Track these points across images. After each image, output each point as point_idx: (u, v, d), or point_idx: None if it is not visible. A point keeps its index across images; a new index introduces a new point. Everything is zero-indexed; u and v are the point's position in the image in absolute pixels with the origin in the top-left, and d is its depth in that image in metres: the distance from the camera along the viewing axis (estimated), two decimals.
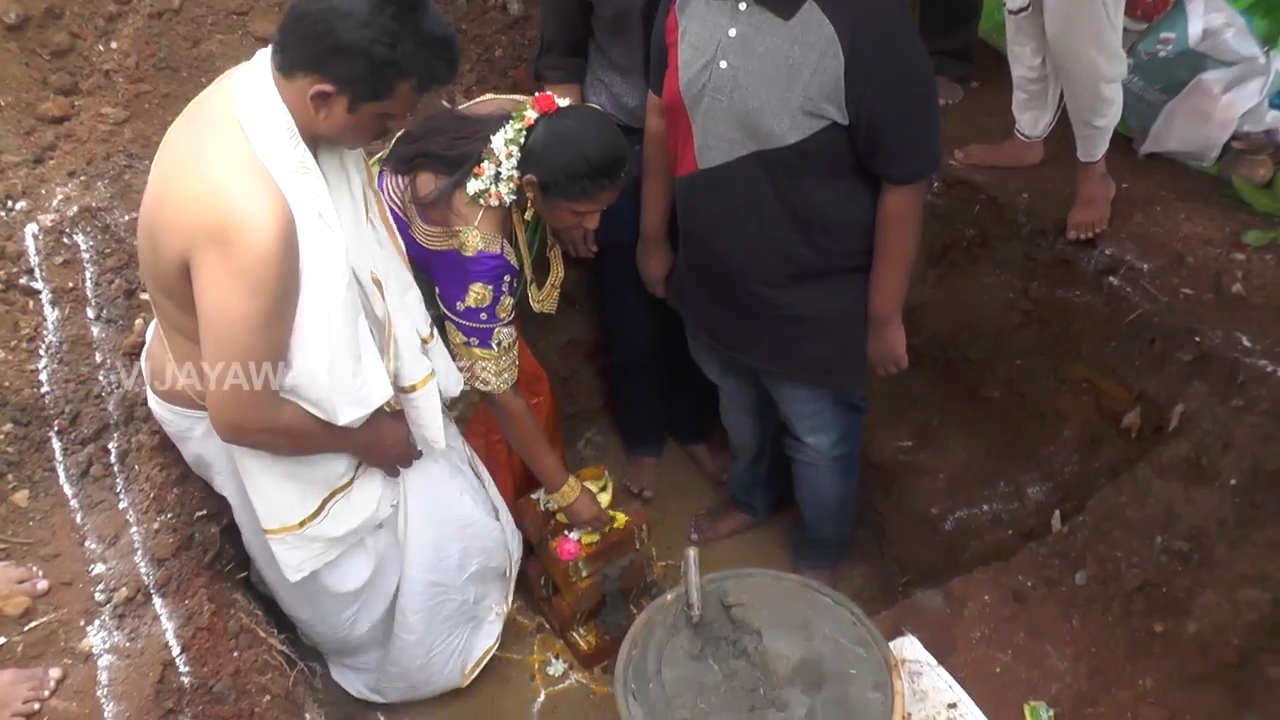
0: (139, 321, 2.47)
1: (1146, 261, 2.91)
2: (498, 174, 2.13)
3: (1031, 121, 3.19)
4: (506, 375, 2.35)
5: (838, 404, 2.71)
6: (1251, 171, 3.11)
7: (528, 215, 2.25)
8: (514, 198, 2.17)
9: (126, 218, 2.62)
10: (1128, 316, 2.85)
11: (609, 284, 3.05)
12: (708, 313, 2.58)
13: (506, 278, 2.23)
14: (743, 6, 2.08)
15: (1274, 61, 3.23)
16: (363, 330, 1.95)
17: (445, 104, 2.82)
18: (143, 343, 2.44)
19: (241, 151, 1.68)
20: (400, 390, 2.16)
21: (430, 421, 2.22)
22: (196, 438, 2.11)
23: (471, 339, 2.25)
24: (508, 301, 2.26)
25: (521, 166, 2.12)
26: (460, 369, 2.34)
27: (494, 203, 2.16)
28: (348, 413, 1.94)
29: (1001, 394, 3.15)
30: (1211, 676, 2.20)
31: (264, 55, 1.75)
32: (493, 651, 2.89)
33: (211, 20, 3.13)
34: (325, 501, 2.13)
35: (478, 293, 2.20)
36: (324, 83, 1.67)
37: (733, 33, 2.09)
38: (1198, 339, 2.69)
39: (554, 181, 2.12)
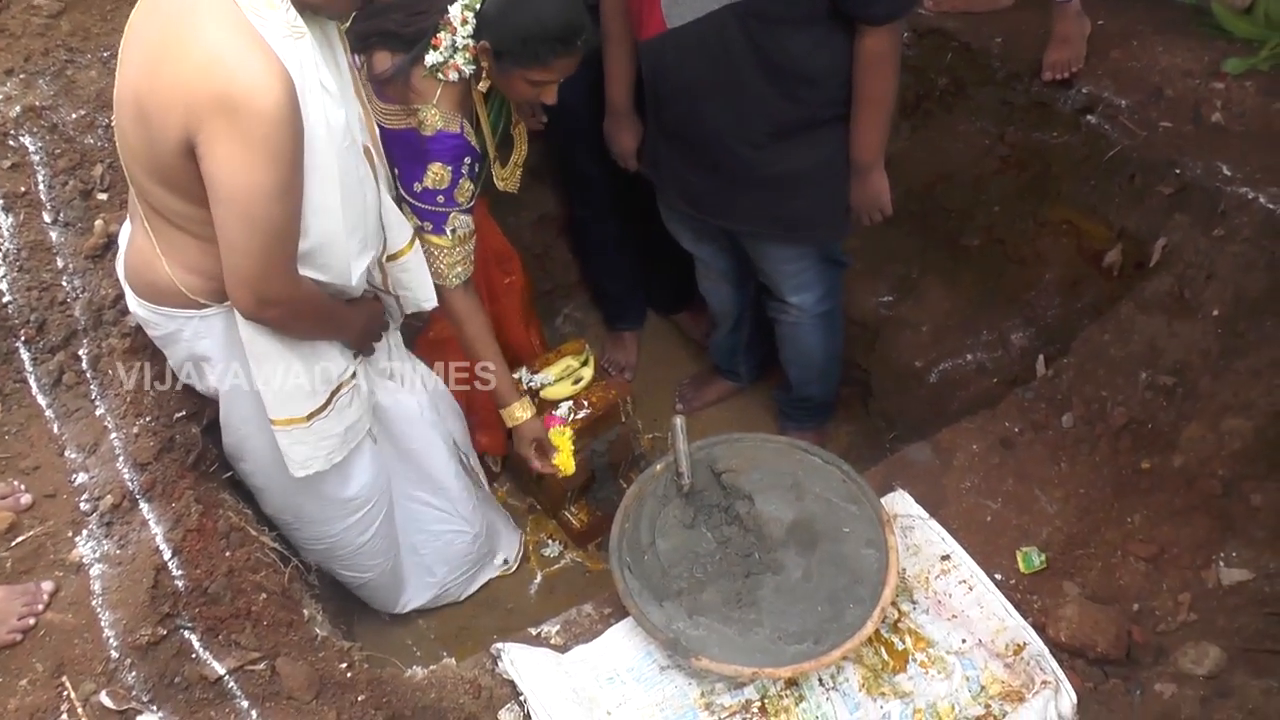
0: (99, 223, 2.39)
1: (1124, 97, 2.84)
2: (454, 44, 2.04)
3: None
4: (460, 269, 2.27)
5: (820, 260, 2.68)
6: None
7: (482, 87, 2.16)
8: (472, 68, 2.08)
9: (74, 115, 2.51)
10: (1107, 154, 2.81)
11: (561, 145, 2.99)
12: (684, 179, 2.52)
13: (467, 159, 2.15)
14: None
15: None
16: (368, 187, 1.94)
17: None
18: (105, 244, 2.37)
19: (233, 18, 1.60)
20: (390, 259, 2.14)
21: (421, 282, 2.21)
22: (185, 339, 2.05)
23: (426, 223, 2.18)
24: (466, 185, 2.18)
25: (476, 34, 2.02)
26: None
27: (452, 75, 2.07)
28: (358, 269, 1.95)
29: (981, 242, 3.12)
30: (1197, 508, 2.23)
31: None
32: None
33: None
34: (333, 394, 2.11)
35: (436, 173, 2.13)
36: None
37: None
38: (1178, 171, 2.65)
39: (508, 48, 2.02)
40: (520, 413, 2.49)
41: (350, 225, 1.87)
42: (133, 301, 2.06)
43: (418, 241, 2.17)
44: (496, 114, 2.29)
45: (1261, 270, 2.41)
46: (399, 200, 2.19)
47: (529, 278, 2.98)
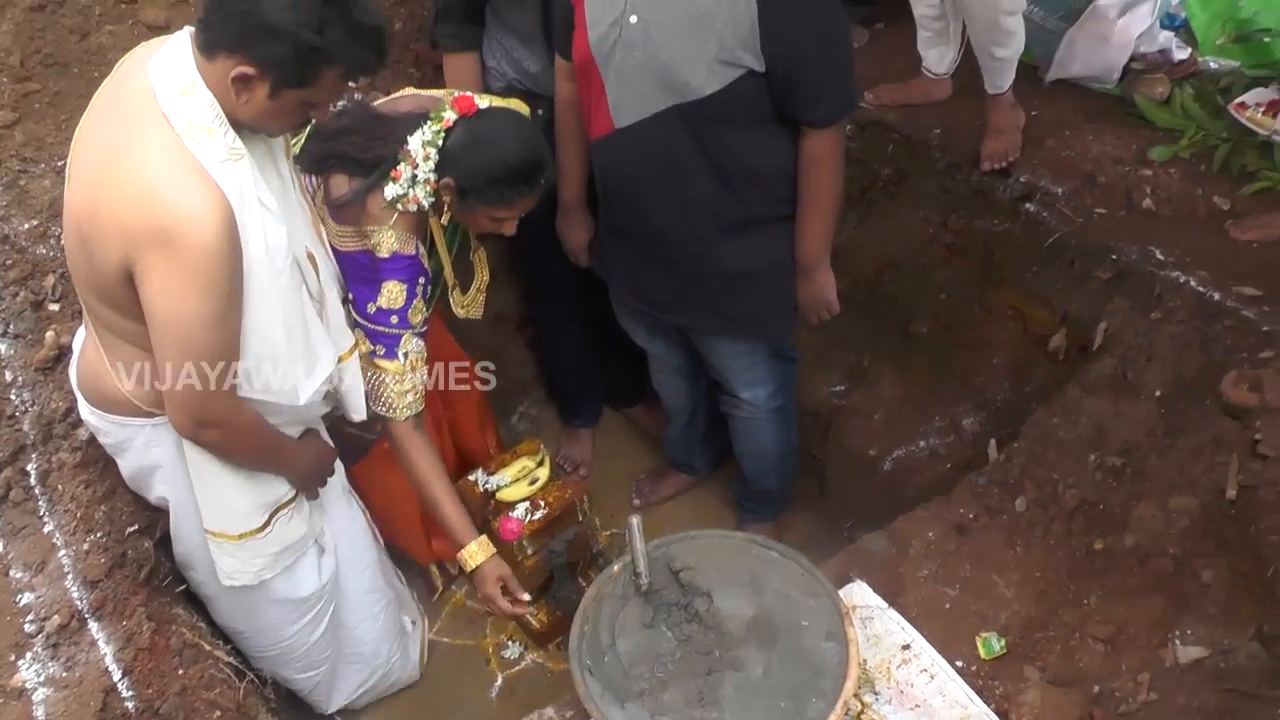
0: (50, 334, 2.37)
1: (1060, 185, 2.95)
2: (414, 177, 2.05)
3: (937, 58, 3.21)
4: (411, 399, 2.21)
5: (771, 356, 2.71)
6: (1151, 89, 3.16)
7: (444, 220, 2.18)
8: (431, 200, 2.09)
9: (26, 225, 2.51)
10: (1046, 240, 2.89)
11: (527, 251, 3.02)
12: (635, 275, 2.55)
13: (421, 279, 2.16)
14: None
15: None
16: (307, 307, 1.93)
17: (358, 98, 2.74)
18: (56, 356, 2.36)
19: (171, 146, 1.62)
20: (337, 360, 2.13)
21: (355, 391, 2.18)
22: (137, 447, 2.04)
23: (378, 347, 2.15)
24: (420, 305, 2.18)
25: (439, 170, 2.04)
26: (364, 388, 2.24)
27: (411, 207, 2.08)
28: (306, 388, 1.93)
29: (930, 328, 3.17)
30: (1152, 586, 2.24)
31: (183, 36, 1.68)
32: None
33: (99, 10, 2.99)
34: (272, 516, 2.09)
35: (391, 291, 2.12)
36: (246, 65, 1.61)
37: None
38: (1114, 256, 2.74)
39: (471, 186, 2.04)
40: (480, 554, 2.30)
41: (291, 343, 1.86)
42: (84, 409, 2.05)
43: (356, 353, 2.16)
44: (451, 238, 2.30)
45: (1197, 350, 2.48)
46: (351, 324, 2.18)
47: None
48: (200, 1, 1.71)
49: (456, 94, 2.11)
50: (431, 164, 2.04)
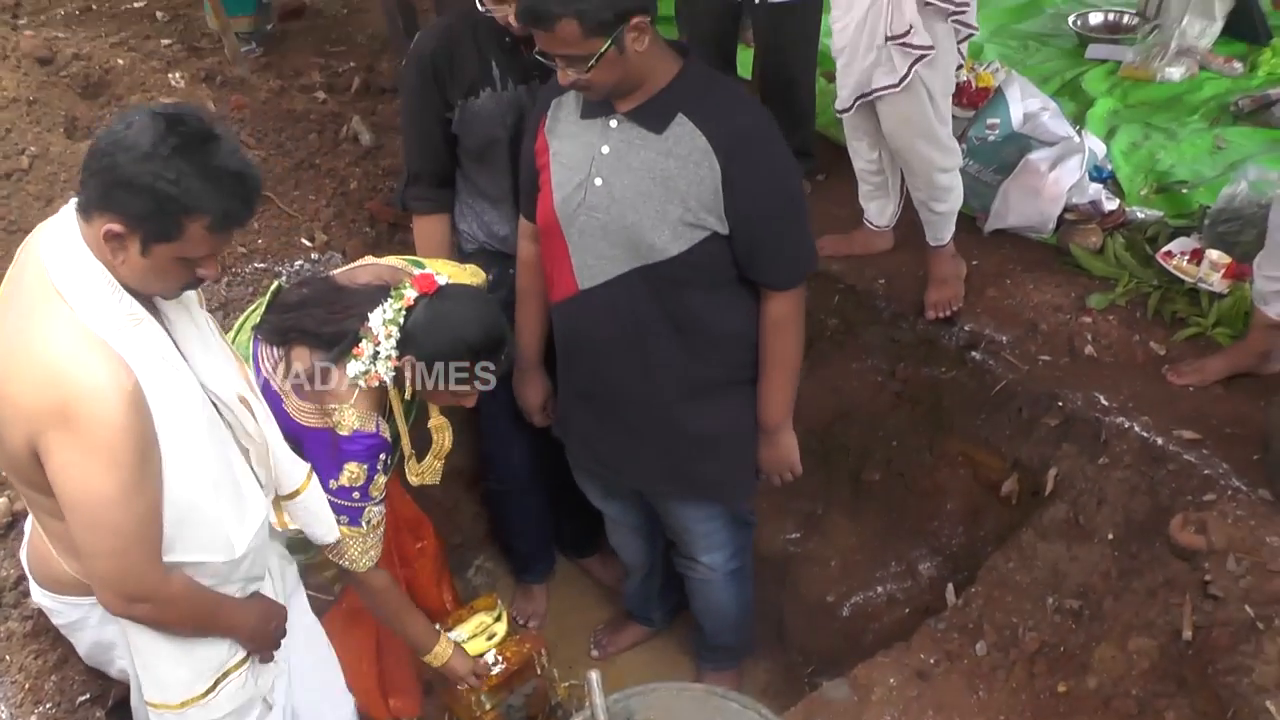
0: (2, 501, 2.33)
1: (1004, 333, 3.04)
2: (376, 354, 2.06)
3: (878, 211, 3.33)
4: (372, 553, 2.23)
5: (730, 520, 2.67)
6: (1085, 239, 3.30)
7: (407, 395, 2.20)
8: (392, 375, 2.11)
9: None
10: (993, 388, 2.96)
11: (483, 414, 3.01)
12: (593, 438, 2.52)
13: (382, 456, 2.16)
14: (614, 123, 2.08)
15: (1086, 140, 3.49)
16: (234, 456, 1.88)
17: (316, 264, 2.76)
18: (9, 523, 2.31)
19: (66, 324, 1.59)
20: (284, 499, 2.07)
21: (320, 517, 2.13)
22: (91, 626, 1.97)
23: (341, 517, 2.15)
24: (381, 480, 2.18)
25: (400, 348, 2.05)
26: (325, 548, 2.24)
27: (374, 383, 2.09)
28: (241, 537, 1.86)
29: (882, 475, 3.21)
30: None
31: (69, 208, 1.66)
32: None
33: (65, 178, 3.03)
34: (218, 681, 2.01)
35: (352, 472, 2.12)
36: (114, 221, 1.58)
37: (605, 149, 2.09)
38: (1060, 404, 2.81)
39: (433, 366, 2.06)
40: (445, 651, 2.46)
41: (220, 495, 1.80)
42: (36, 592, 1.98)
43: (314, 480, 2.11)
44: (409, 406, 2.30)
45: (1144, 494, 2.53)
46: None
47: (440, 541, 2.96)
48: None
49: (416, 272, 2.14)
50: (393, 342, 2.05)
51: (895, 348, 3.23)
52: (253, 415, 1.92)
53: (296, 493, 2.08)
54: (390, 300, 2.07)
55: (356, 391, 2.09)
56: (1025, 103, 3.55)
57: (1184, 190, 3.56)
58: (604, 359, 2.33)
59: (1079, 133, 3.57)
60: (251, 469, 1.94)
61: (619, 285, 2.18)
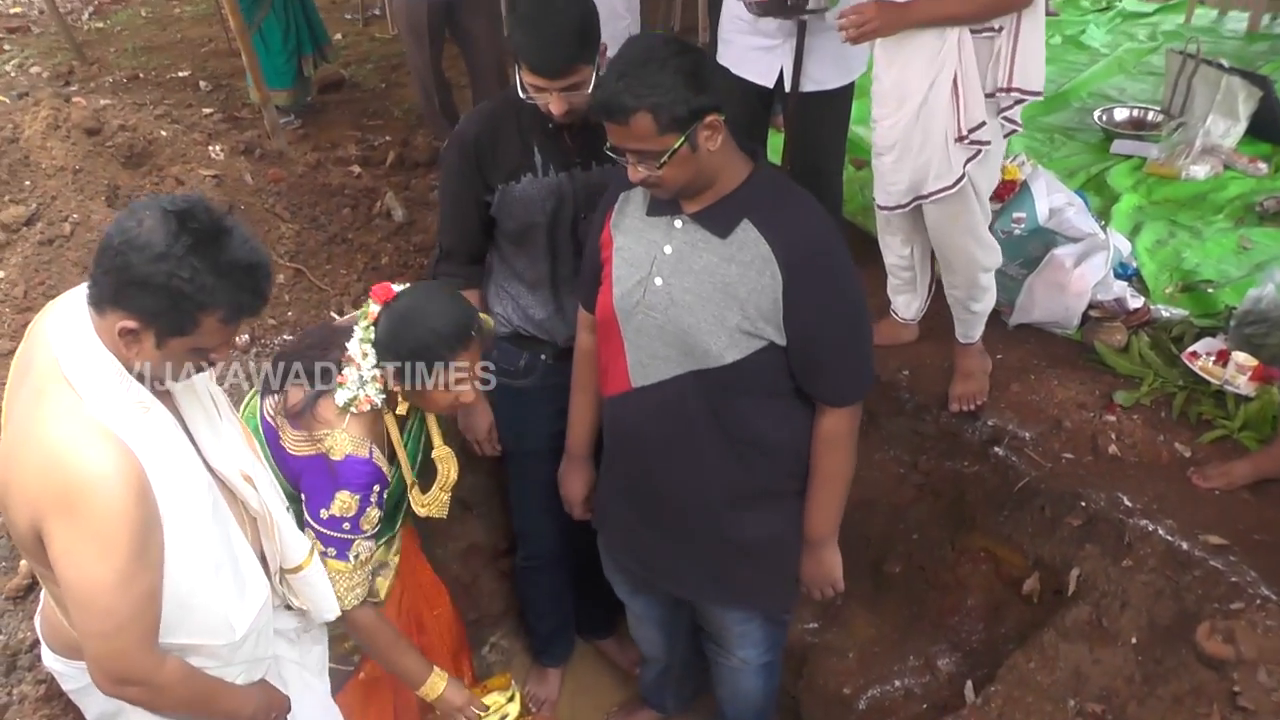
0: (24, 563, 2.34)
1: (1027, 429, 3.03)
2: (361, 378, 2.08)
3: (905, 304, 3.34)
4: (358, 590, 2.21)
5: (766, 620, 2.61)
6: (1109, 337, 3.30)
7: (400, 411, 2.20)
8: (383, 397, 2.12)
9: None
10: (1016, 484, 2.94)
11: (514, 491, 3.01)
12: (633, 535, 2.47)
13: (375, 487, 2.15)
14: (679, 224, 2.07)
15: (1111, 237, 3.50)
16: (235, 534, 1.89)
17: (333, 316, 2.80)
18: (28, 585, 2.32)
19: (73, 412, 1.62)
20: (288, 573, 2.07)
21: (322, 594, 2.13)
22: (99, 692, 1.96)
23: (329, 549, 2.14)
24: (373, 513, 2.17)
25: (379, 357, 2.08)
26: None
27: (365, 408, 2.11)
28: (241, 618, 1.86)
29: (903, 568, 3.19)
30: None
31: (78, 294, 1.70)
32: None
33: None
34: None
35: (344, 501, 2.11)
36: (128, 318, 1.61)
37: (668, 250, 2.08)
38: (1083, 503, 2.79)
39: (410, 364, 2.06)
40: (438, 684, 2.39)
41: (220, 576, 1.81)
42: (47, 656, 1.99)
43: (316, 556, 2.12)
44: (414, 441, 2.31)
45: (1169, 599, 2.50)
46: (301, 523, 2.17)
47: (457, 610, 2.95)
48: None
49: (373, 286, 2.16)
50: (371, 360, 2.07)
51: (918, 439, 3.23)
52: (255, 490, 1.93)
53: (300, 567, 2.09)
54: (360, 322, 2.10)
55: (348, 417, 2.10)
56: (1051, 198, 3.58)
57: (1209, 290, 3.56)
58: (652, 459, 2.28)
59: (1104, 229, 3.59)
60: (251, 545, 1.95)
61: (672, 387, 2.14)
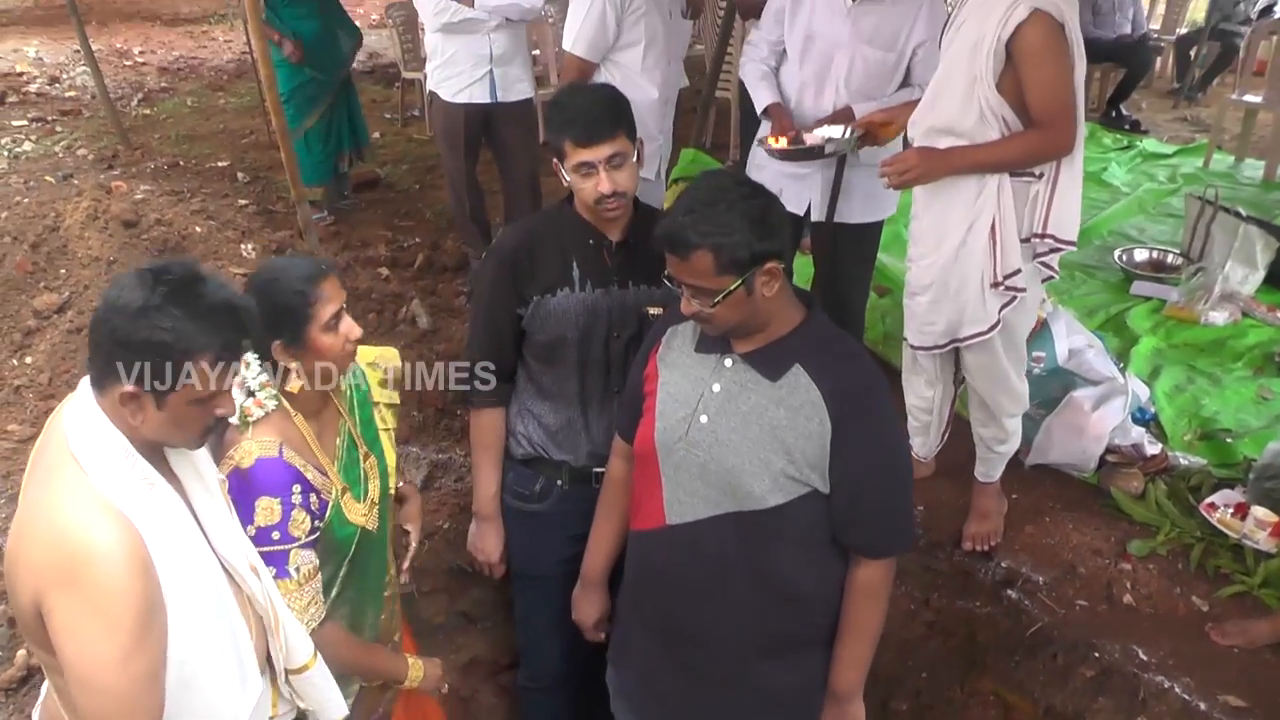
0: (20, 654, 2.33)
1: (1041, 573, 3.00)
2: (248, 389, 2.04)
3: (922, 444, 3.33)
4: (313, 609, 2.13)
5: None
6: (1126, 484, 3.29)
7: (292, 388, 2.10)
8: (275, 402, 2.07)
9: None
10: (1029, 629, 2.90)
11: (520, 610, 2.97)
12: (652, 673, 2.38)
13: (296, 487, 2.08)
14: (729, 362, 2.05)
15: (1130, 382, 3.51)
16: (239, 626, 1.86)
17: None
18: (23, 677, 2.30)
19: (79, 488, 1.62)
20: (292, 673, 2.03)
21: (328, 697, 2.08)
22: None
23: (270, 569, 2.04)
24: (301, 516, 2.09)
25: (260, 346, 1.99)
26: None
27: (257, 412, 2.05)
28: (243, 710, 1.84)
29: (910, 706, 3.13)
30: None
31: (85, 383, 1.70)
32: None
33: None
34: None
35: (265, 508, 2.04)
36: (125, 384, 1.62)
37: (716, 388, 2.06)
38: (1097, 654, 2.75)
39: (279, 323, 2.03)
40: (418, 671, 2.38)
41: (220, 663, 1.79)
42: None
43: (320, 657, 2.07)
44: (347, 449, 2.25)
45: None
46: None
47: None
48: None
49: None
50: (255, 365, 2.04)
51: (930, 576, 3.20)
52: (261, 582, 1.92)
53: (304, 668, 2.05)
54: None
55: (249, 428, 2.06)
56: (1071, 339, 3.61)
57: (1228, 440, 3.56)
58: (679, 598, 2.22)
59: (1123, 372, 3.61)
60: (254, 641, 1.91)
61: (708, 527, 2.09)
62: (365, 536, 2.27)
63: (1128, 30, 8.13)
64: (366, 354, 2.39)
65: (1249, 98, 6.99)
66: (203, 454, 1.88)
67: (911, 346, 3.06)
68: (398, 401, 2.48)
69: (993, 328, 2.80)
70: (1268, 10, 8.95)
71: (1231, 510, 3.09)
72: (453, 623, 2.44)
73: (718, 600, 2.17)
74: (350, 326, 2.13)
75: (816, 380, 1.98)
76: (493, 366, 2.61)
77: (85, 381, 1.71)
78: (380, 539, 2.35)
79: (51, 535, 1.60)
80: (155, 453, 1.74)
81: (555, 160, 2.36)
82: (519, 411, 2.65)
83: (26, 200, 4.96)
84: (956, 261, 2.78)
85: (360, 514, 2.27)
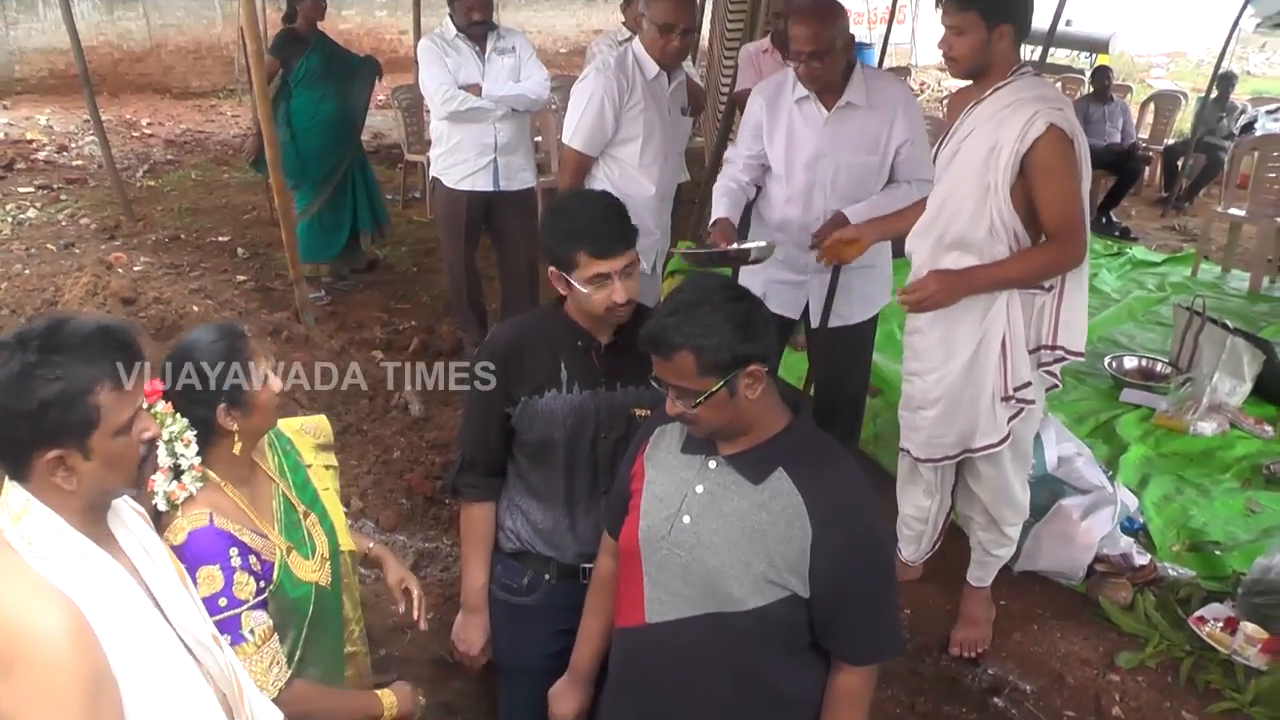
0: None
1: (1029, 682, 2.98)
2: (174, 469, 2.02)
3: (912, 551, 3.32)
4: (275, 670, 2.08)
5: None
6: (1114, 594, 3.28)
7: (235, 451, 2.10)
8: (200, 484, 2.04)
9: None
10: None
11: (503, 703, 2.92)
12: None
13: (233, 550, 2.04)
14: (713, 464, 2.05)
15: (1119, 492, 3.53)
16: (207, 696, 1.81)
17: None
18: None
19: (15, 572, 1.60)
20: None
21: None
22: None
23: (224, 638, 1.99)
24: (244, 578, 2.05)
25: (205, 433, 2.04)
26: None
27: (181, 495, 2.02)
28: None
29: None
30: None
31: (7, 483, 1.69)
32: None
33: None
34: None
35: (207, 576, 2.01)
36: (44, 452, 1.60)
37: (700, 489, 2.05)
38: None
39: (218, 388, 2.04)
40: (390, 700, 2.31)
41: None
42: None
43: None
44: (288, 513, 2.24)
45: None
46: None
47: None
48: None
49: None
50: (194, 446, 2.03)
51: (916, 680, 3.16)
52: (223, 651, 1.89)
53: None
54: (164, 426, 2.01)
55: (178, 508, 2.03)
56: (1060, 446, 3.63)
57: (1217, 552, 3.56)
58: (658, 698, 2.19)
59: (1111, 480, 3.63)
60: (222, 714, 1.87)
61: (688, 627, 2.08)
62: (321, 594, 2.24)
63: (1118, 139, 8.34)
64: (291, 423, 2.40)
65: (1234, 211, 7.15)
66: (147, 530, 1.86)
67: (917, 459, 3.05)
68: (334, 464, 2.49)
69: (1004, 440, 2.82)
70: (1249, 127, 9.19)
71: (1221, 625, 3.09)
72: (434, 714, 2.40)
73: (698, 700, 2.14)
74: (274, 380, 2.15)
75: (799, 485, 1.98)
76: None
77: (6, 485, 1.68)
78: (335, 594, 2.32)
79: None
80: (97, 529, 1.71)
81: (555, 269, 2.36)
82: (508, 507, 2.65)
83: (28, 271, 5.01)
84: (967, 376, 2.80)
85: (311, 570, 2.25)
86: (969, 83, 2.77)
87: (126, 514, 1.83)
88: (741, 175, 3.50)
